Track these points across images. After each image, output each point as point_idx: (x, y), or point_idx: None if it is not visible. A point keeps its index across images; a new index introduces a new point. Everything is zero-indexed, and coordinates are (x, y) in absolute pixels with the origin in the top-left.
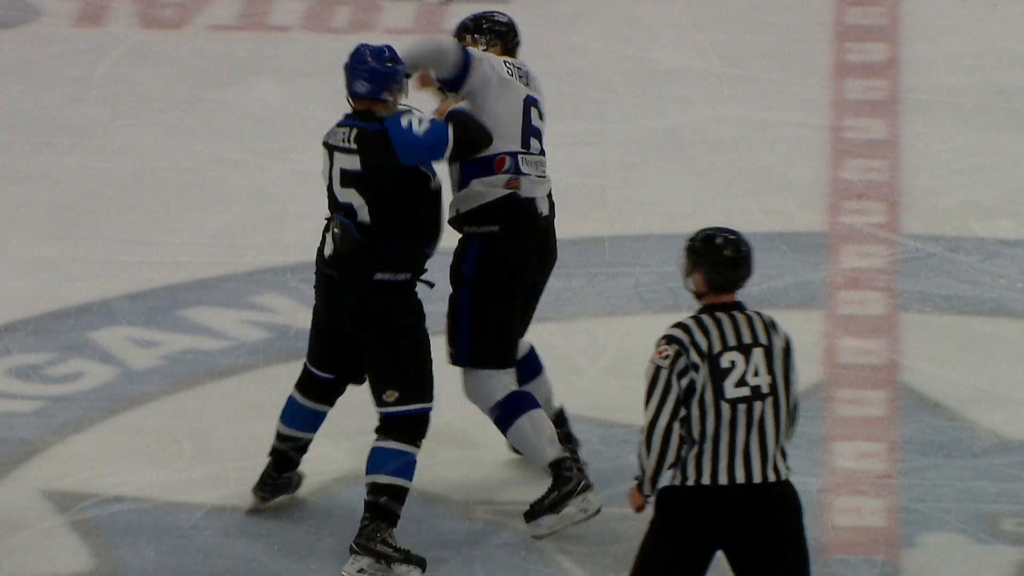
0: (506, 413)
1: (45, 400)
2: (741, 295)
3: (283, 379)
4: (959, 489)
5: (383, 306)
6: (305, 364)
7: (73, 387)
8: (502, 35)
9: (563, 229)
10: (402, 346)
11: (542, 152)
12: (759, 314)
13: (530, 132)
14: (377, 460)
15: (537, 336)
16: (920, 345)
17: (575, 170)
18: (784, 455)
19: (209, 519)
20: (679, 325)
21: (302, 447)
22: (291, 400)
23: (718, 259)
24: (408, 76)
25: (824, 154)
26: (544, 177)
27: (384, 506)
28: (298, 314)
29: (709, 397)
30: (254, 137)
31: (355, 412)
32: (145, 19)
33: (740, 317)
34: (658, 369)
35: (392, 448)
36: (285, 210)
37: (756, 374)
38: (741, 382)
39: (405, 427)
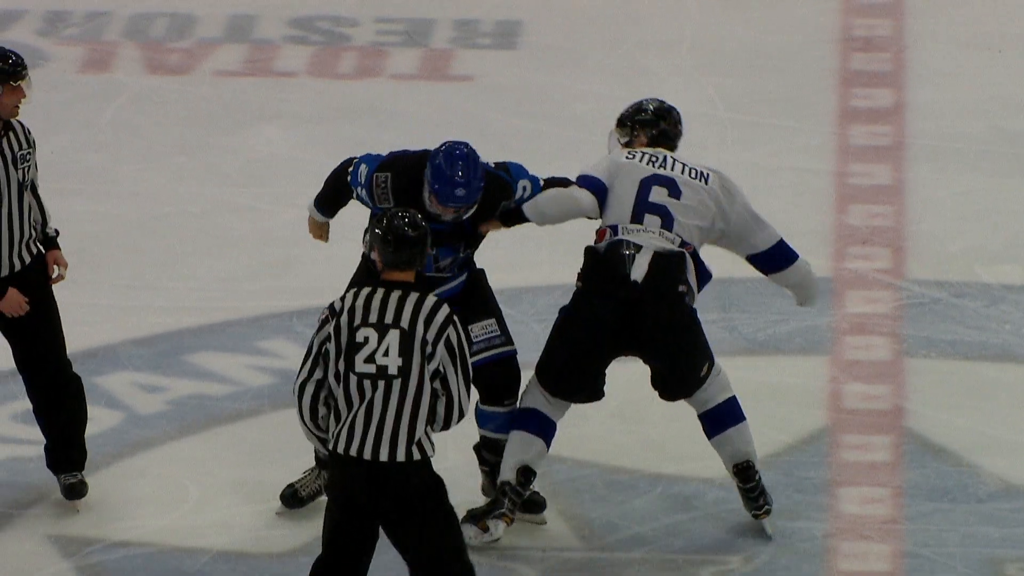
0: (515, 420)
1: None
2: (746, 337)
3: (288, 424)
4: (964, 534)
5: None
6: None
7: None
8: (645, 124)
9: (568, 275)
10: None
11: (664, 227)
12: (421, 299)
13: (644, 208)
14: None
15: None
16: (925, 390)
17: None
18: (419, 437)
19: (215, 564)
20: (345, 294)
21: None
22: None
23: (395, 237)
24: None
25: (829, 199)
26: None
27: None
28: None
29: (342, 367)
30: (260, 182)
31: None
32: (151, 65)
33: (394, 296)
34: (315, 332)
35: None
36: (291, 255)
37: (386, 354)
38: (370, 359)
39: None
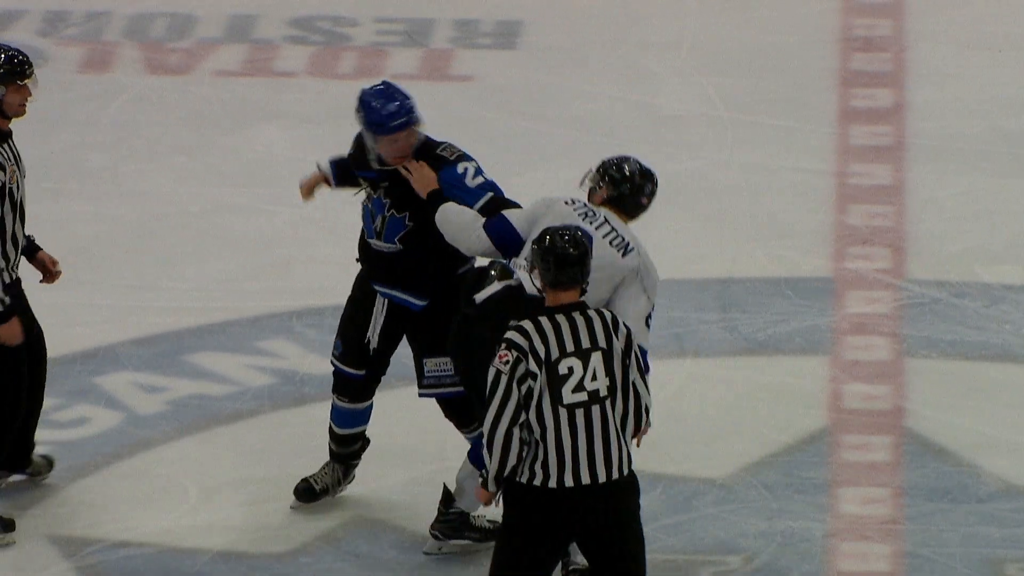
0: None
1: (51, 445)
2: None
3: (288, 424)
4: (964, 535)
5: None
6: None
7: (79, 432)
8: (612, 181)
9: None
10: None
11: None
12: (600, 315)
13: None
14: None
15: None
16: (925, 390)
17: None
18: (626, 449)
19: (215, 564)
20: (519, 330)
21: (359, 444)
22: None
23: (555, 256)
24: None
25: (829, 199)
26: None
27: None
28: (303, 359)
29: (547, 403)
30: (260, 182)
31: (367, 456)
32: (151, 65)
33: (580, 319)
34: (498, 374)
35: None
36: (291, 255)
37: (594, 378)
38: (579, 387)
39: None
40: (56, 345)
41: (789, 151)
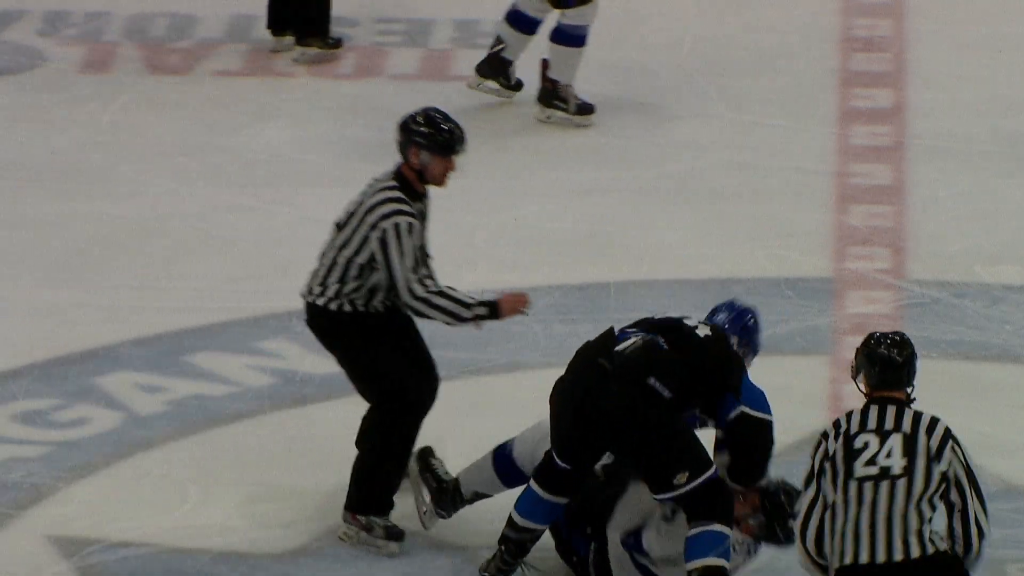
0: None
1: (51, 445)
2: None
3: (289, 425)
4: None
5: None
6: (548, 453)
7: (79, 432)
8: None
9: (569, 275)
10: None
11: None
12: (917, 412)
13: None
14: (700, 546)
15: (544, 382)
16: (925, 390)
17: (581, 217)
18: (925, 537)
19: (215, 565)
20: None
21: (537, 537)
22: (529, 492)
23: (875, 361)
24: None
25: (829, 200)
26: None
27: None
28: (304, 359)
29: (840, 479)
30: (260, 183)
31: None
32: (152, 65)
33: (891, 408)
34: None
35: (713, 531)
36: (291, 255)
37: (889, 456)
38: (871, 462)
39: (710, 499)
40: (56, 345)
41: (789, 151)
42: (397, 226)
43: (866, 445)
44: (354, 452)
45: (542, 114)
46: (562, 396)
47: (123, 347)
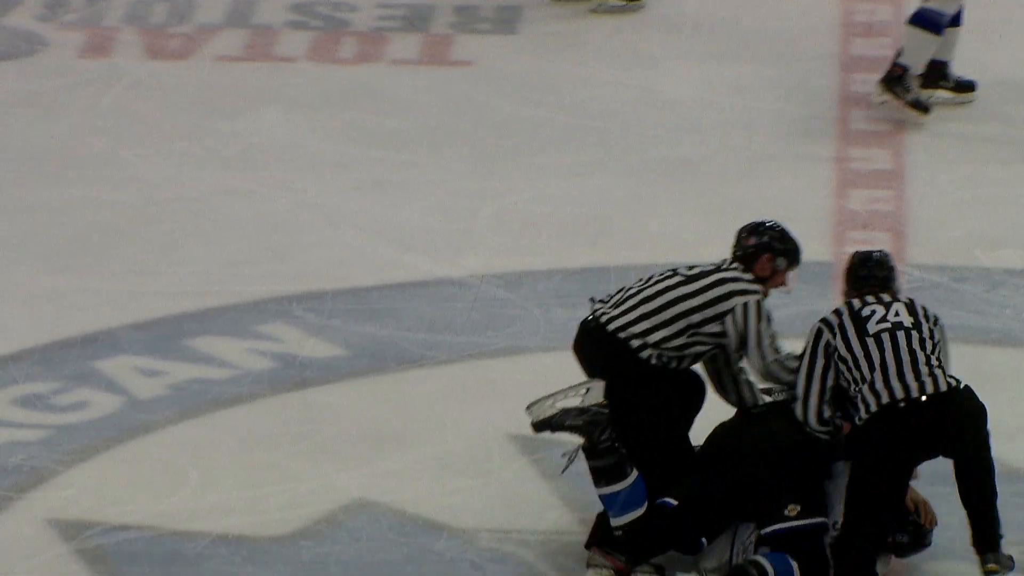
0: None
1: (51, 429)
2: None
3: (289, 408)
4: (965, 519)
5: None
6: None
7: (79, 416)
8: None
9: (569, 259)
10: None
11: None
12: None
13: None
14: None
15: (543, 366)
16: None
17: (581, 200)
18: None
19: (215, 548)
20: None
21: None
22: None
23: (861, 264)
24: None
25: (830, 184)
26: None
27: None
28: (303, 343)
29: (855, 344)
30: (260, 167)
31: (367, 440)
32: (151, 50)
33: (885, 295)
34: (809, 354)
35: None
36: (291, 240)
37: (897, 315)
38: (883, 320)
39: (804, 541)
40: (56, 329)
41: (789, 136)
42: (758, 303)
43: (873, 312)
44: (352, 432)
45: (883, 96)
46: None
47: (123, 331)
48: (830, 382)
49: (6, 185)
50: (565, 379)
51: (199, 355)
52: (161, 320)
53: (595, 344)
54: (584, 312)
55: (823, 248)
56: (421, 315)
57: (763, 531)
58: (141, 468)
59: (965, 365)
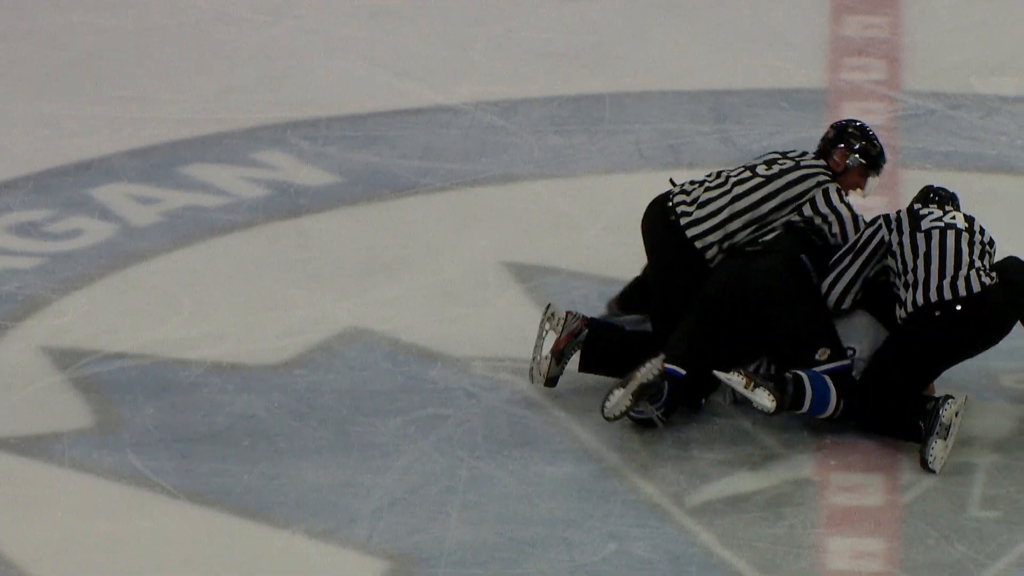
0: None
1: (45, 256)
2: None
3: (283, 236)
4: None
5: None
6: None
7: (73, 244)
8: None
9: (564, 86)
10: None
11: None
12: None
13: None
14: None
15: (537, 194)
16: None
17: (577, 28)
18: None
19: (209, 376)
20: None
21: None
22: None
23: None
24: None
25: (824, 11)
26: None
27: (789, 382)
28: (298, 170)
29: (906, 236)
30: None
31: (361, 268)
32: None
33: (947, 206)
34: (862, 246)
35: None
36: (286, 67)
37: (953, 218)
38: (937, 219)
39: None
40: (50, 157)
41: None
42: (838, 189)
43: (930, 212)
44: (346, 260)
45: None
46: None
47: (117, 158)
48: (867, 273)
49: (3, 11)
50: (557, 207)
51: (194, 183)
52: (156, 147)
53: (667, 238)
54: (580, 139)
55: (817, 75)
56: (416, 142)
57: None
58: (135, 296)
59: (958, 191)
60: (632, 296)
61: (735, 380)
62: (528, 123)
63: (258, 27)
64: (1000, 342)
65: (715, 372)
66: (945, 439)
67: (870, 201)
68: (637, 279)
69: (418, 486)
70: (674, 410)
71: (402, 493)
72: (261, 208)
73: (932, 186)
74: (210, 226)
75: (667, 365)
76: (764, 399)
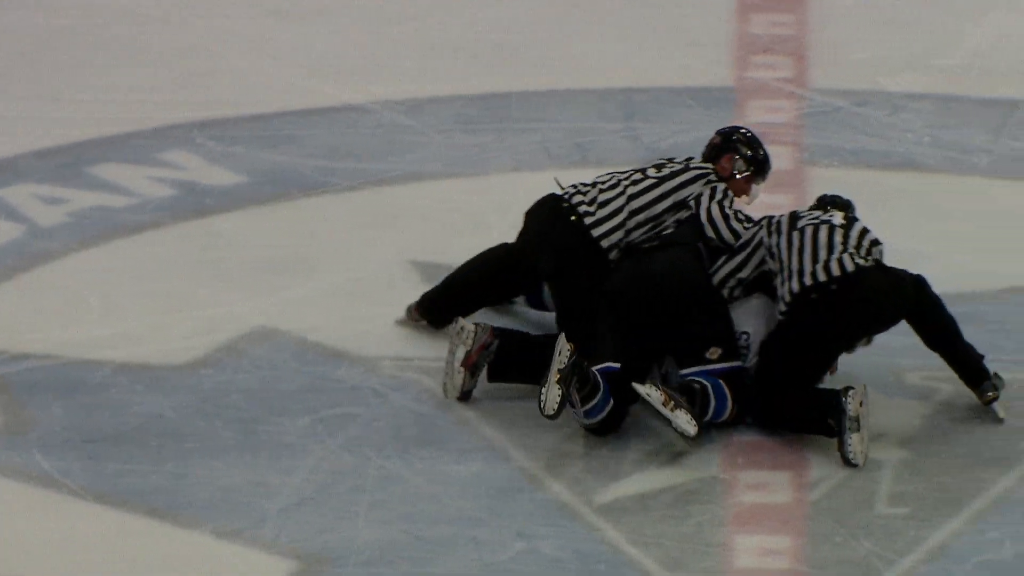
0: None
1: None
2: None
3: (190, 236)
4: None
5: None
6: None
7: None
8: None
9: (472, 85)
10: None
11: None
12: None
13: None
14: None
15: (446, 193)
16: None
17: (485, 26)
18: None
19: (117, 376)
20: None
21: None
22: None
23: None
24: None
25: (731, 8)
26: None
27: (697, 394)
28: (205, 171)
29: (784, 231)
30: None
31: (268, 267)
32: None
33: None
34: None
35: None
36: (193, 67)
37: (831, 217)
38: (814, 218)
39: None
40: None
41: None
42: (725, 189)
43: (809, 213)
44: (254, 260)
45: None
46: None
47: (24, 159)
48: (747, 268)
49: None
50: (466, 205)
51: (101, 183)
52: (62, 148)
53: (571, 239)
54: (487, 138)
55: (725, 73)
56: (323, 141)
57: (683, 372)
58: (42, 297)
59: (866, 189)
60: (439, 302)
61: (654, 396)
62: (436, 122)
63: (168, 27)
64: (903, 338)
65: (633, 384)
66: (859, 431)
67: (776, 199)
68: (446, 285)
69: (326, 485)
70: (633, 401)
71: (310, 492)
72: (168, 208)
73: (827, 195)
74: (117, 226)
75: (601, 364)
76: (685, 424)
